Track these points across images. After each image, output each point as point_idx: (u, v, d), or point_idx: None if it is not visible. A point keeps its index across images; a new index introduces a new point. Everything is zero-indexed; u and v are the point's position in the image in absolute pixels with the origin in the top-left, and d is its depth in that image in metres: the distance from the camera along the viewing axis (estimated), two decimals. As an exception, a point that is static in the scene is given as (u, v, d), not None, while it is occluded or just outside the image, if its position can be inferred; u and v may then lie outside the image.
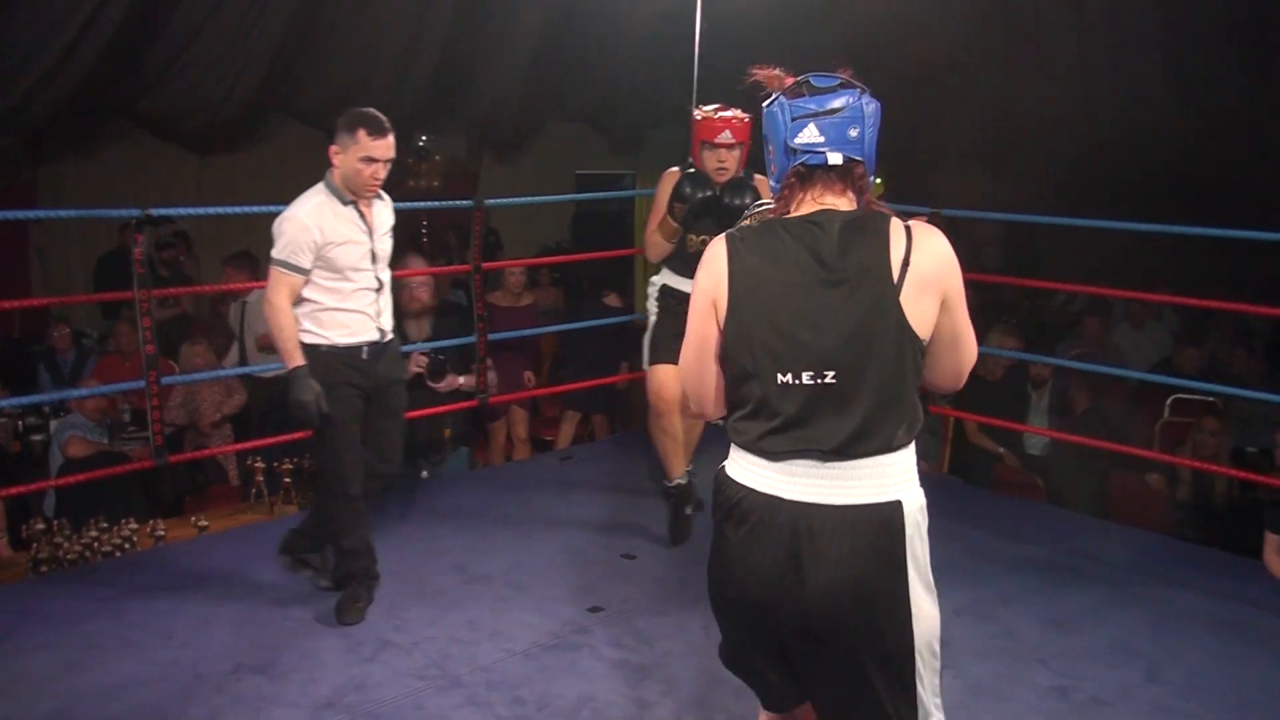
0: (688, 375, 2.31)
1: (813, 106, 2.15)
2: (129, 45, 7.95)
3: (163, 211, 4.63)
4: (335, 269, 3.77)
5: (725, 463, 2.25)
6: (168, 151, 9.95)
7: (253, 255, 7.47)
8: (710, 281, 2.18)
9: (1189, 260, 9.45)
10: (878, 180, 2.37)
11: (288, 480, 5.41)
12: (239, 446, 5.90)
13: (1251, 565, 4.72)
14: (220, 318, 8.04)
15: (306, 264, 3.72)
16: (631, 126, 12.34)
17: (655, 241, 4.62)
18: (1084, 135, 10.35)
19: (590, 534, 4.84)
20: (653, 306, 4.80)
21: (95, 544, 4.83)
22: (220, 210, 5.21)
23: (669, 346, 4.41)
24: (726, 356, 2.20)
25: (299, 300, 3.76)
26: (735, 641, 2.36)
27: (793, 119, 2.16)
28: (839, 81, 2.18)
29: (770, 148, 2.23)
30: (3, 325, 9.21)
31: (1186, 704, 3.54)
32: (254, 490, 5.44)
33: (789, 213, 2.19)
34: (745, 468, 2.18)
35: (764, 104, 2.23)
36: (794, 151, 2.16)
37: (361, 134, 3.79)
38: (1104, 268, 10.43)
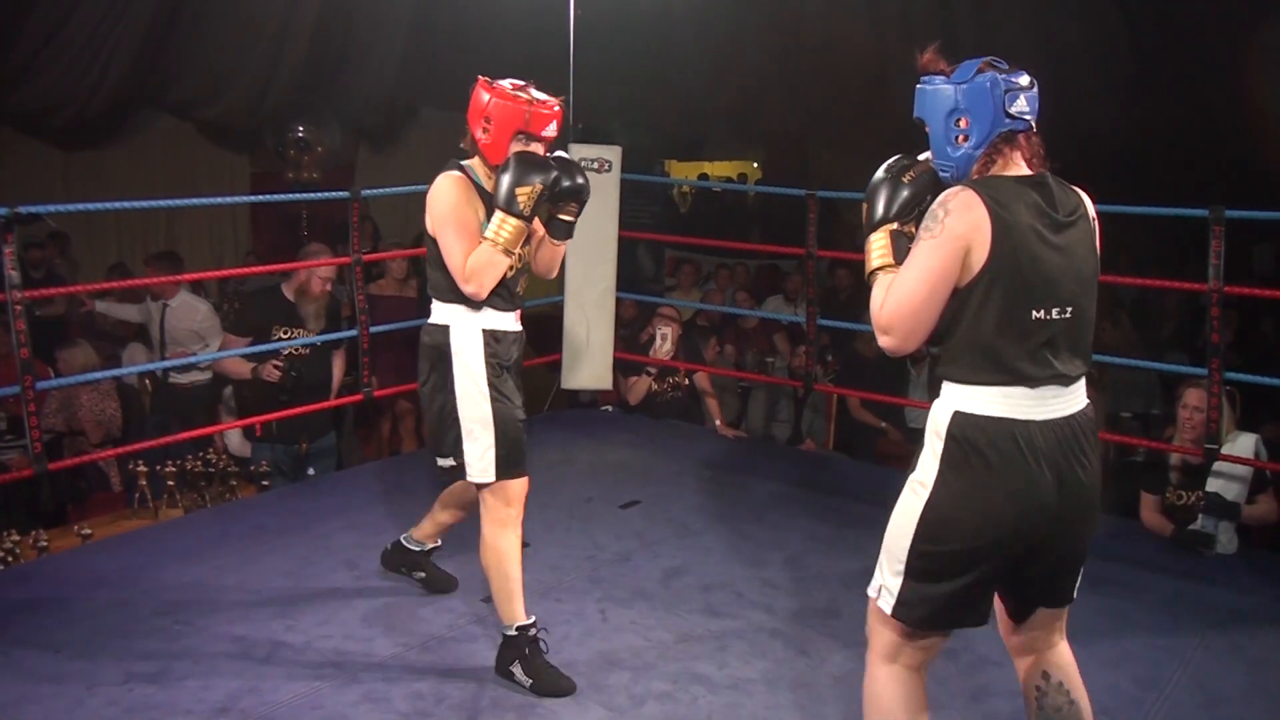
0: (908, 313, 2.43)
1: (1021, 81, 2.45)
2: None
3: (32, 209, 4.48)
4: None
5: (955, 404, 2.44)
6: (32, 147, 9.64)
7: (176, 255, 7.33)
8: (966, 227, 2.34)
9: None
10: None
11: (171, 483, 5.31)
12: (120, 451, 5.75)
13: (1130, 525, 4.93)
14: (95, 319, 7.84)
15: None
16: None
17: (495, 263, 3.30)
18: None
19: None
20: (473, 370, 3.42)
21: (8, 556, 4.69)
22: (93, 206, 5.03)
23: (522, 439, 3.52)
24: (977, 297, 2.38)
25: None
26: (970, 580, 2.47)
27: (1005, 91, 2.43)
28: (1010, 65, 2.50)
29: (963, 118, 2.46)
30: None
31: (1071, 660, 3.69)
32: (138, 495, 5.32)
33: (989, 173, 2.47)
34: (994, 400, 2.39)
35: (957, 78, 2.49)
36: (1009, 118, 2.44)
37: None
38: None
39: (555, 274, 3.78)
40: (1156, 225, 5.90)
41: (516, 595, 3.44)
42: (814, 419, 7.46)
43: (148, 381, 6.96)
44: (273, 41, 9.42)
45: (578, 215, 3.54)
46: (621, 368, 6.83)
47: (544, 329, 7.70)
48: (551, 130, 3.37)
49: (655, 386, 6.73)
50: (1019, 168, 2.48)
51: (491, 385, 3.40)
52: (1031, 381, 2.37)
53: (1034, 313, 2.36)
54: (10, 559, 4.70)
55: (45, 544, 4.84)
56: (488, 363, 3.41)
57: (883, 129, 11.34)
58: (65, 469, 5.57)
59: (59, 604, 4.06)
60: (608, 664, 3.62)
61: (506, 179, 3.24)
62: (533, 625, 3.46)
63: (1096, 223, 2.56)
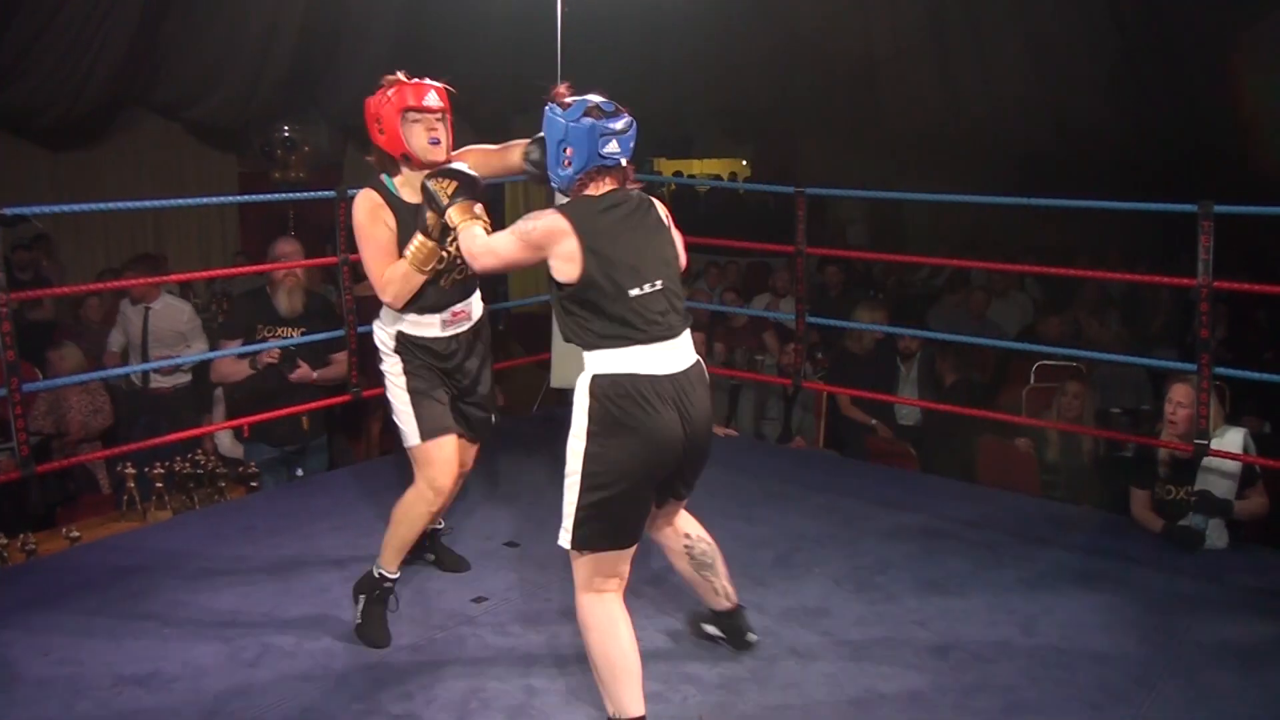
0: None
1: (616, 126, 3.08)
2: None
3: (18, 210, 4.45)
4: None
5: (596, 371, 3.07)
6: (19, 148, 9.61)
7: (157, 257, 7.30)
8: (546, 239, 3.03)
9: (1050, 231, 9.81)
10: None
11: (159, 485, 5.29)
12: (108, 453, 5.74)
13: (1120, 520, 4.94)
14: (82, 322, 7.81)
15: None
16: (496, 112, 12.28)
17: (411, 277, 3.57)
18: (947, 115, 10.63)
19: (471, 523, 4.83)
20: (393, 367, 3.77)
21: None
22: (79, 208, 5.01)
23: (442, 412, 3.76)
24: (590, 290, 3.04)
25: None
26: (638, 497, 3.10)
27: (600, 135, 3.04)
28: (615, 106, 3.12)
29: (569, 148, 3.06)
30: None
31: (1063, 655, 3.68)
32: (126, 497, 5.30)
33: (583, 193, 3.12)
34: (626, 358, 3.04)
35: (560, 114, 3.09)
36: (601, 157, 3.06)
37: None
38: (968, 241, 10.77)
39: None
40: (1147, 220, 5.90)
41: (401, 550, 3.76)
42: (804, 417, 7.45)
43: (136, 382, 6.93)
44: (260, 41, 9.41)
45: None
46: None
47: (533, 328, 7.70)
48: (433, 100, 3.62)
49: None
50: (606, 188, 3.10)
51: (406, 374, 3.75)
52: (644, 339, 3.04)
53: (631, 290, 3.01)
54: (-2, 562, 4.68)
55: (33, 547, 4.82)
56: (404, 360, 3.76)
57: (870, 126, 11.42)
58: (53, 471, 5.55)
59: (47, 606, 4.05)
60: (598, 664, 3.61)
61: (422, 205, 3.50)
62: (394, 582, 3.80)
63: (670, 220, 3.28)
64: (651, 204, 3.22)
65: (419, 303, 3.67)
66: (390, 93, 3.62)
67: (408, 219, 3.60)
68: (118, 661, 3.62)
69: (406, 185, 3.66)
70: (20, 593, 4.19)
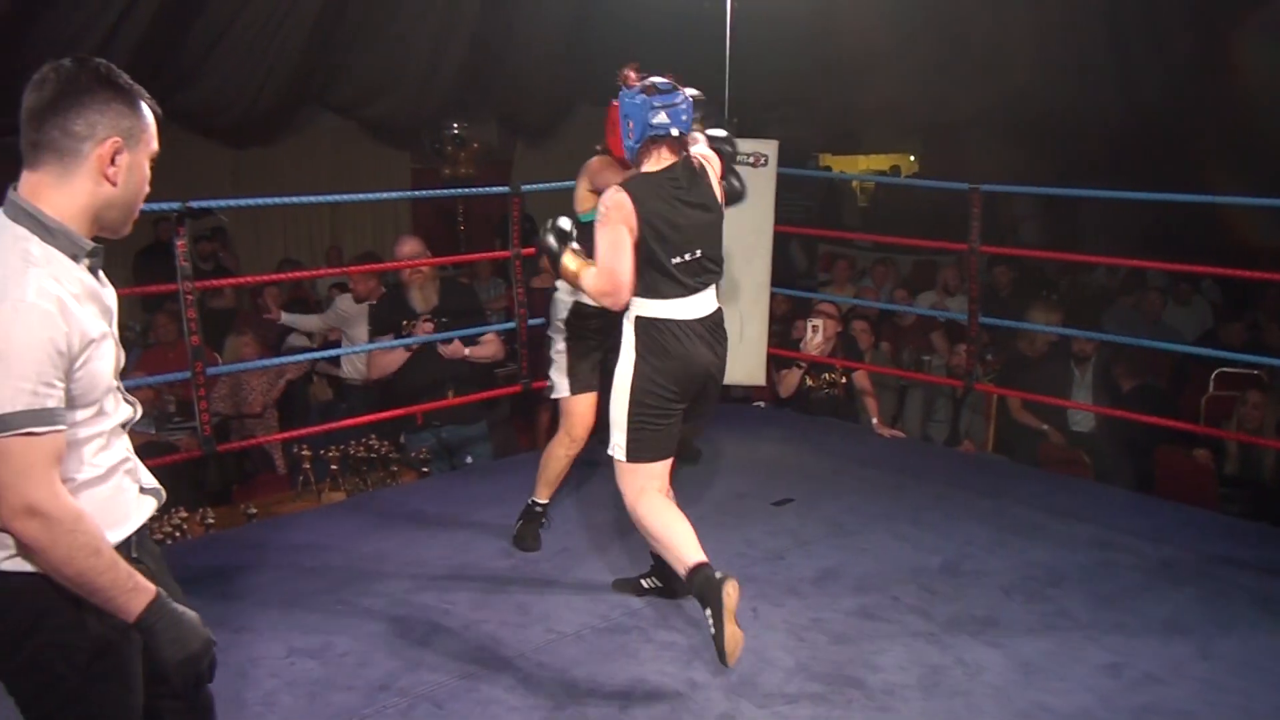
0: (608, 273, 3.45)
1: (673, 100, 3.44)
2: (162, 41, 8.01)
3: (202, 204, 4.65)
4: None
5: (639, 314, 3.51)
6: (203, 146, 10.03)
7: (377, 256, 7.55)
8: (619, 213, 3.41)
9: (1230, 232, 9.38)
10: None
11: (334, 468, 5.45)
12: (285, 435, 5.95)
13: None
14: (260, 310, 8.12)
15: None
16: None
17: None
18: (1120, 110, 10.29)
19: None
20: (562, 328, 4.41)
21: (148, 531, 4.88)
22: (260, 201, 5.20)
23: (588, 374, 4.40)
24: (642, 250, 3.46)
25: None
26: (671, 415, 3.58)
27: (651, 108, 3.42)
28: (672, 85, 3.48)
29: (631, 122, 3.48)
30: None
31: (1239, 680, 3.51)
32: (301, 478, 5.48)
33: (642, 164, 3.54)
34: (664, 307, 3.50)
35: (625, 93, 3.50)
36: (651, 127, 3.44)
37: None
38: (1144, 241, 10.38)
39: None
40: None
41: (549, 485, 4.56)
42: (973, 419, 7.26)
43: (350, 372, 7.09)
44: (434, 41, 9.63)
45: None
46: (774, 363, 6.77)
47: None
48: None
49: (810, 381, 6.66)
50: (666, 159, 3.49)
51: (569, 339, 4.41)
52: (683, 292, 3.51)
53: (674, 259, 3.45)
54: (179, 534, 4.88)
55: (212, 521, 5.02)
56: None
57: (1041, 125, 11.09)
58: (232, 451, 5.78)
59: (224, 577, 4.22)
60: (761, 662, 3.58)
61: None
62: (544, 507, 4.60)
63: (718, 176, 3.65)
64: (703, 172, 3.55)
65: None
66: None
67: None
68: (291, 634, 3.75)
69: None
70: (199, 563, 4.37)
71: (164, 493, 2.14)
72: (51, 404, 1.85)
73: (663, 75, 3.51)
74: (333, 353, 6.88)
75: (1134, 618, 3.93)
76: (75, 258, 1.96)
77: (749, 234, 6.32)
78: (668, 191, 3.46)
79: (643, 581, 4.12)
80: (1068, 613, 3.96)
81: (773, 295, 6.72)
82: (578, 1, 9.92)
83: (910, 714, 3.31)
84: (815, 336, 6.62)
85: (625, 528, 4.68)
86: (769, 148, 6.42)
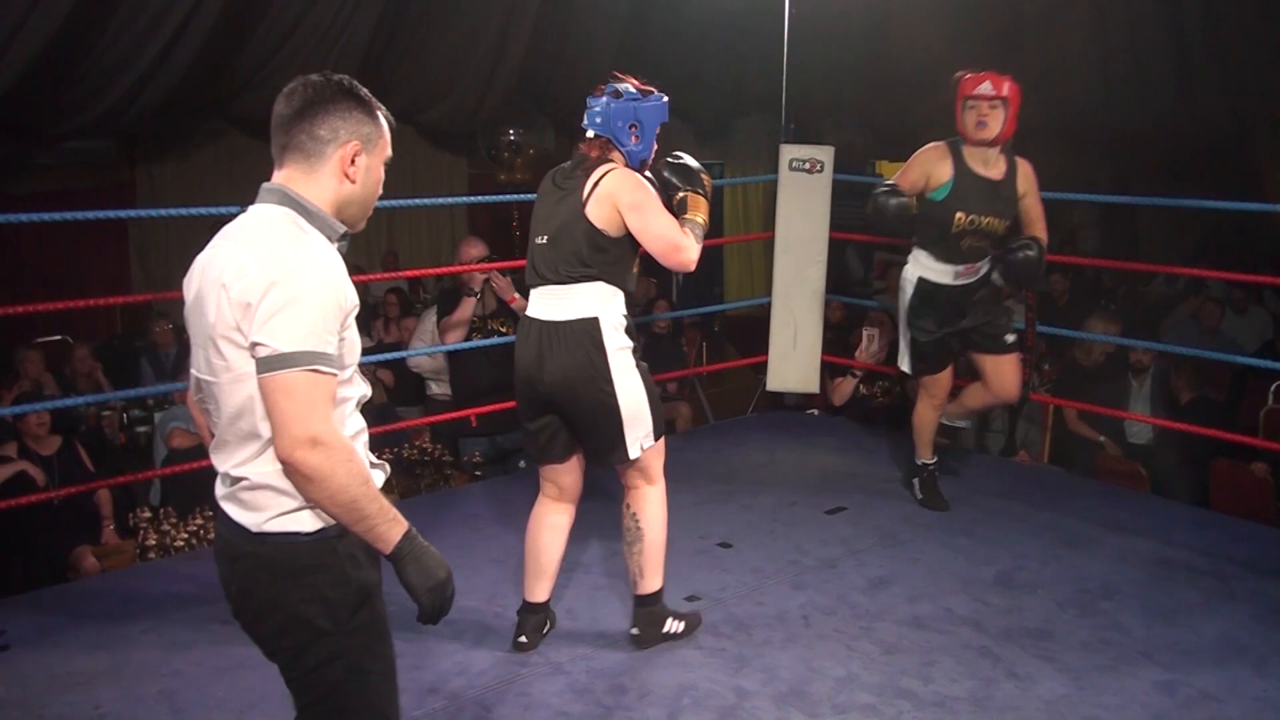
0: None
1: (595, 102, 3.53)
2: (223, 47, 8.13)
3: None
4: None
5: (620, 309, 3.45)
6: (260, 150, 10.16)
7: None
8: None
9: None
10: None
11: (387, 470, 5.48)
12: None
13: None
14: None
15: None
16: (718, 116, 12.33)
17: None
18: (1179, 119, 10.15)
19: (685, 522, 4.82)
20: (906, 301, 4.86)
21: (201, 531, 4.98)
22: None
23: (939, 355, 4.86)
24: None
25: None
26: (533, 424, 3.60)
27: (587, 109, 3.54)
28: (602, 88, 3.51)
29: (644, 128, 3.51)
30: (106, 323, 9.51)
31: (1298, 700, 3.45)
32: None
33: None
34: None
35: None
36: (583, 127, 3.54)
37: None
38: (1202, 251, 10.22)
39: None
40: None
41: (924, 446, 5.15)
42: (1029, 430, 7.19)
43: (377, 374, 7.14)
44: (492, 49, 9.69)
45: None
46: (828, 370, 6.75)
47: (750, 330, 7.69)
48: (985, 89, 4.50)
49: (864, 389, 6.63)
50: (592, 153, 3.54)
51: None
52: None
53: (535, 238, 3.50)
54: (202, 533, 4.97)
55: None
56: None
57: (1099, 133, 10.96)
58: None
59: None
60: (810, 671, 3.58)
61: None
62: (933, 463, 5.12)
63: (611, 190, 3.40)
64: (587, 176, 3.45)
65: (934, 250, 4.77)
66: (960, 82, 4.51)
67: (965, 183, 4.56)
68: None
69: (970, 157, 4.58)
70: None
71: (389, 468, 2.33)
72: (331, 350, 2.04)
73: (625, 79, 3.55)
74: (405, 354, 6.84)
75: (1189, 634, 3.88)
76: (330, 239, 2.16)
77: (804, 241, 6.31)
78: (560, 175, 3.59)
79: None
80: (1122, 627, 3.92)
81: (828, 302, 6.69)
82: (633, 6, 9.94)
83: (961, 727, 3.30)
84: (871, 345, 6.60)
85: (673, 533, 4.69)
86: (825, 154, 6.40)
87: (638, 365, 3.50)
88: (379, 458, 2.43)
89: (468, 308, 5.57)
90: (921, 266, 4.76)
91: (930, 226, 4.65)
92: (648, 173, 3.59)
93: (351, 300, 2.10)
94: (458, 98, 10.44)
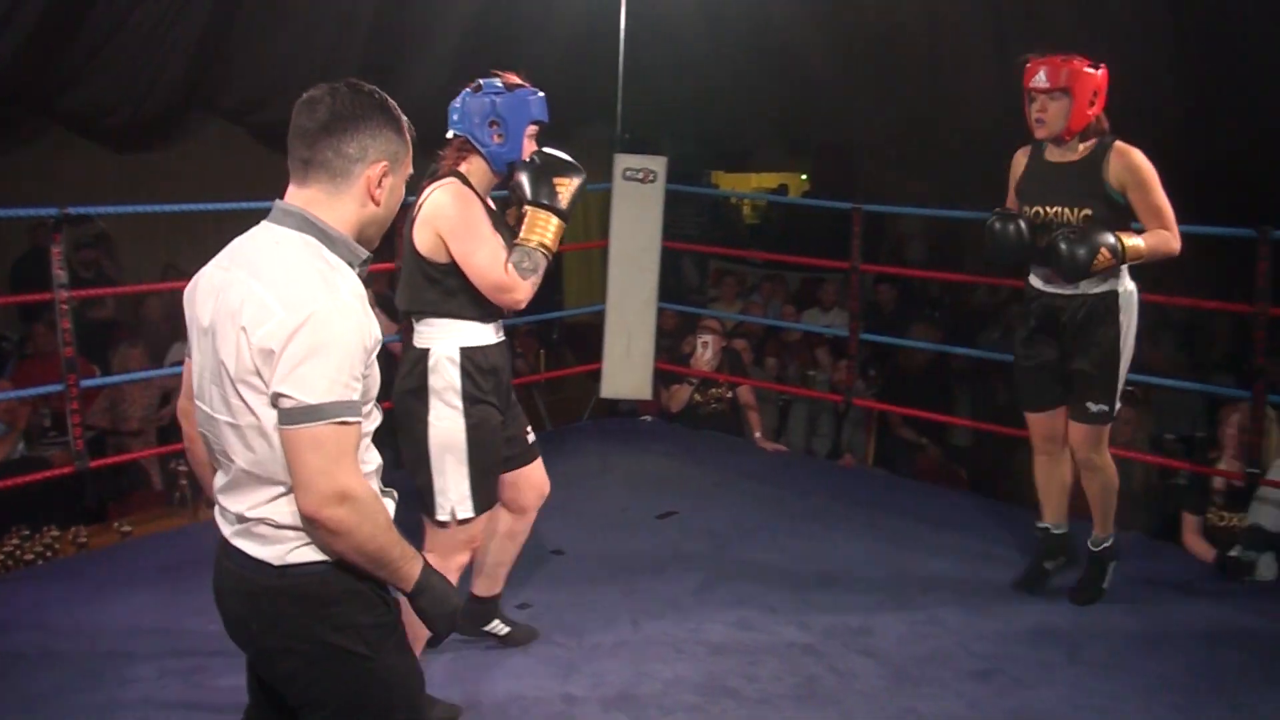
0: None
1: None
2: (47, 40, 7.80)
3: (81, 210, 4.53)
4: None
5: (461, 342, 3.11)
6: (84, 149, 9.77)
7: None
8: None
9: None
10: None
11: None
12: (162, 450, 5.82)
13: (1170, 549, 4.87)
14: (145, 321, 7.94)
15: None
16: (557, 122, 12.34)
17: None
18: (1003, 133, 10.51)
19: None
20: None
21: (17, 552, 4.76)
22: (142, 209, 5.08)
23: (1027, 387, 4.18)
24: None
25: None
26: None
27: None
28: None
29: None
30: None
31: (1106, 683, 3.62)
32: (178, 494, 5.37)
33: None
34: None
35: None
36: None
37: None
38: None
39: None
40: (1209, 245, 5.78)
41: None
42: (854, 434, 7.40)
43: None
44: (327, 51, 9.51)
45: None
46: (662, 378, 6.82)
47: (589, 337, 7.71)
48: (1038, 81, 3.77)
49: (698, 397, 6.73)
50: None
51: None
52: None
53: None
54: (50, 554, 4.76)
55: (85, 540, 4.91)
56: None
57: (936, 141, 11.31)
58: (108, 467, 5.64)
59: (97, 599, 4.13)
60: (638, 674, 3.62)
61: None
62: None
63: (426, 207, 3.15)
64: (419, 195, 3.19)
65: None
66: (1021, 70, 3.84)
67: (1032, 171, 3.99)
68: (163, 655, 3.67)
69: (1049, 147, 3.93)
70: (71, 585, 4.27)
71: (396, 495, 2.17)
72: (356, 396, 1.94)
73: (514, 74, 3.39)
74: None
75: (1004, 624, 4.05)
76: (352, 265, 2.05)
77: (636, 249, 6.37)
78: None
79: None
80: (938, 620, 4.07)
81: (661, 310, 6.77)
82: (472, 12, 9.89)
83: (783, 723, 3.37)
84: (705, 352, 6.70)
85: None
86: (658, 164, 6.48)
87: (470, 413, 3.10)
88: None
89: None
90: (1031, 271, 4.12)
91: None
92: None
93: (375, 337, 1.98)
94: (291, 99, 10.20)
